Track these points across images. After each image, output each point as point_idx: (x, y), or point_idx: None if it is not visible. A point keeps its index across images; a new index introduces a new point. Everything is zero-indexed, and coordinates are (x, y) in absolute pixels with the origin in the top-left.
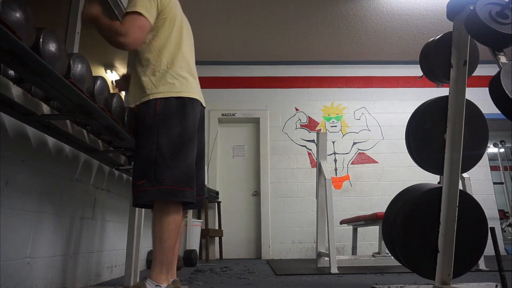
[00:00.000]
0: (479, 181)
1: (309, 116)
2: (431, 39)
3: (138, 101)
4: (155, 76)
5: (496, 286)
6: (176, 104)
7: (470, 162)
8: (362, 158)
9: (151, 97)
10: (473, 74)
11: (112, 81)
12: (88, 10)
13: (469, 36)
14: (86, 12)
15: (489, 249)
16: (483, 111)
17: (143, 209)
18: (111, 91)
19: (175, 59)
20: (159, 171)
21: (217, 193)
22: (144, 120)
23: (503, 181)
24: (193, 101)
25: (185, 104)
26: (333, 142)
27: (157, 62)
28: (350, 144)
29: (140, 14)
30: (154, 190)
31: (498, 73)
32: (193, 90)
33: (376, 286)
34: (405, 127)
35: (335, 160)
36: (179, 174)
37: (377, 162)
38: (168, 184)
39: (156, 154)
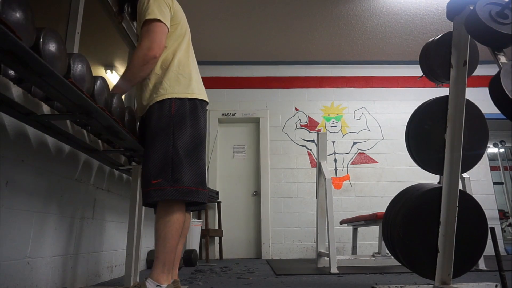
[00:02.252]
0: (479, 181)
1: (309, 116)
2: (431, 39)
3: (151, 102)
4: (169, 77)
5: (496, 286)
6: (190, 105)
7: (470, 162)
8: (362, 158)
9: (166, 96)
10: (473, 74)
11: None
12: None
13: (469, 36)
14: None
15: (489, 249)
16: (483, 111)
17: (143, 209)
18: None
19: (186, 61)
20: (176, 171)
21: (217, 193)
22: (159, 120)
23: (503, 181)
24: (202, 103)
25: (197, 106)
26: (333, 142)
27: (171, 64)
28: (350, 144)
29: (158, 20)
30: (172, 189)
31: (498, 73)
32: (203, 91)
33: (376, 286)
34: (405, 127)
35: (335, 160)
36: (194, 175)
37: (377, 162)
38: (186, 184)
39: (173, 154)
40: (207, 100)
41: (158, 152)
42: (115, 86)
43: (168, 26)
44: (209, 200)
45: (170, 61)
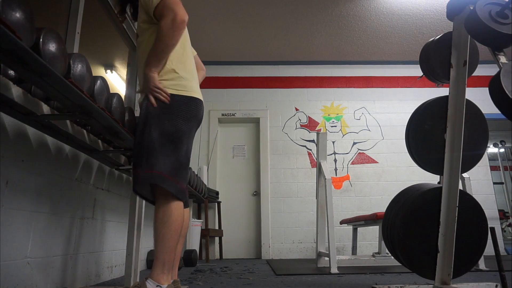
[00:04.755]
0: (479, 181)
1: (309, 116)
2: (431, 39)
3: (143, 97)
4: (162, 72)
5: (496, 286)
6: (176, 100)
7: (470, 162)
8: (362, 158)
9: None
10: (473, 74)
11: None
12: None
13: (469, 36)
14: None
15: (489, 249)
16: (483, 111)
17: (143, 209)
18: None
19: (180, 59)
20: (152, 157)
21: (217, 193)
22: (141, 111)
23: (503, 181)
24: (195, 100)
25: (184, 101)
26: (333, 142)
27: (166, 60)
28: (350, 144)
29: None
30: (146, 174)
31: (498, 73)
32: (196, 90)
33: (376, 286)
34: (405, 127)
35: (335, 160)
36: (169, 163)
37: (377, 162)
38: (157, 170)
39: (148, 142)
40: (198, 96)
41: (137, 141)
42: (148, 78)
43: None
44: (209, 200)
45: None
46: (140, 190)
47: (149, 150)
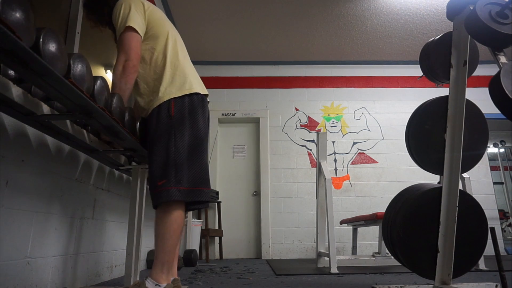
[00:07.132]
0: (479, 181)
1: (309, 116)
2: (431, 39)
3: (152, 106)
4: (165, 80)
5: (496, 286)
6: (189, 104)
7: (470, 162)
8: (362, 158)
9: (165, 98)
10: (473, 74)
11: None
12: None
13: (469, 36)
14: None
15: (489, 249)
16: (483, 111)
17: (143, 209)
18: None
19: (176, 60)
20: (179, 172)
21: (217, 193)
22: (160, 124)
23: (503, 181)
24: (202, 97)
25: (197, 104)
26: (333, 142)
27: (164, 67)
28: (350, 144)
29: (129, 29)
30: (176, 190)
31: (498, 73)
32: (200, 85)
33: (376, 286)
34: (405, 127)
35: (335, 160)
36: (196, 174)
37: (377, 162)
38: (187, 185)
39: (175, 155)
40: (205, 93)
41: (161, 154)
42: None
43: (141, 32)
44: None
45: (163, 64)
46: (164, 201)
47: (178, 164)
